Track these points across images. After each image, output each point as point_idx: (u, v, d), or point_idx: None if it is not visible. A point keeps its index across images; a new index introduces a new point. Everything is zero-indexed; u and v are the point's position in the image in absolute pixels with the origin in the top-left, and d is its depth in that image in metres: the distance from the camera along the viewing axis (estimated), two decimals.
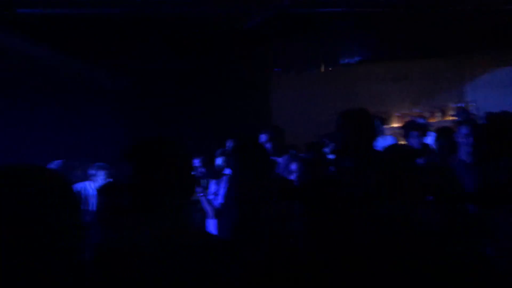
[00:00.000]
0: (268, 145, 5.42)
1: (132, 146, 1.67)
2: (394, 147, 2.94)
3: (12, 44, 6.04)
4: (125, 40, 6.60)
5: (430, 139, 5.39)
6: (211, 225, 4.27)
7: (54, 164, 4.58)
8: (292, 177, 3.89)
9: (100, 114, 7.46)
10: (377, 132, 3.11)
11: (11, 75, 6.81)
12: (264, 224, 3.01)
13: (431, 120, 8.74)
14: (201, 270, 1.52)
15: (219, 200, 4.28)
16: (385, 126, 7.61)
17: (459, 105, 8.90)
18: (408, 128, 5.07)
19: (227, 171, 4.80)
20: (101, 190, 2.75)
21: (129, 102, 7.85)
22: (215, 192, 4.46)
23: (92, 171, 4.98)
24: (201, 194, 4.31)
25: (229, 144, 5.42)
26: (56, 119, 7.21)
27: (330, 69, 9.27)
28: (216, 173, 4.69)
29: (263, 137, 5.74)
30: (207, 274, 1.52)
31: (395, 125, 8.90)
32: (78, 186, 4.70)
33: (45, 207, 1.21)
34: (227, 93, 8.44)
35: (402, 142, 5.41)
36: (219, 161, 5.24)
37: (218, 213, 4.17)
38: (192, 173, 1.72)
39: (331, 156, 6.09)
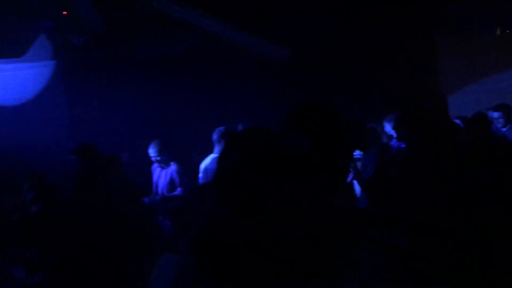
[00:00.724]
0: None
1: (296, 110, 1.56)
2: None
3: (180, 16, 6.54)
4: (285, 9, 6.69)
5: None
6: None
7: (218, 131, 4.86)
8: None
9: (258, 83, 7.72)
10: None
11: (180, 45, 7.41)
12: (438, 195, 2.82)
13: None
14: None
15: (368, 172, 4.08)
16: None
17: None
18: None
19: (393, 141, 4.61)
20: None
21: (288, 71, 7.97)
22: (363, 164, 4.27)
23: None
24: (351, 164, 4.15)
25: (391, 114, 5.19)
26: (216, 87, 7.66)
27: (508, 31, 8.24)
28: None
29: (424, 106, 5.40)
30: None
31: None
32: None
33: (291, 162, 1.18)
34: (390, 61, 8.07)
35: None
36: (387, 129, 5.08)
37: (367, 186, 4.00)
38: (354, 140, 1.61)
39: (504, 130, 5.52)
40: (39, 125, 6.99)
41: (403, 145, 3.86)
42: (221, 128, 4.83)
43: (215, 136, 4.79)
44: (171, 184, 5.28)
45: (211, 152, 4.85)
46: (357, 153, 4.38)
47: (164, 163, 5.27)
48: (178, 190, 5.25)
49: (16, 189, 3.93)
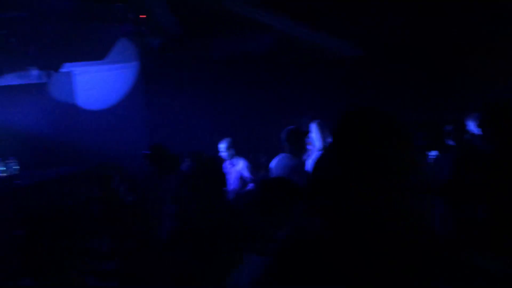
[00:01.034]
0: None
1: (343, 116, 1.48)
2: None
3: (254, 16, 6.60)
4: (359, 7, 6.55)
5: None
6: None
7: (287, 131, 4.82)
8: None
9: (331, 82, 7.62)
10: None
11: (255, 45, 7.47)
12: None
13: None
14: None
15: (445, 174, 3.79)
16: None
17: None
18: None
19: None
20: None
21: (362, 70, 7.78)
22: (440, 165, 3.99)
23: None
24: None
25: (475, 113, 4.90)
26: (286, 85, 7.66)
27: None
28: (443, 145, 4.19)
29: None
30: None
31: None
32: None
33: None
34: (468, 58, 7.64)
35: None
36: (470, 127, 4.81)
37: (442, 189, 3.74)
38: (411, 151, 1.51)
39: None
40: (121, 124, 7.35)
41: (487, 146, 3.60)
42: (291, 127, 4.79)
43: (284, 136, 4.76)
44: (241, 180, 5.49)
45: (279, 153, 4.83)
46: (432, 154, 4.16)
47: (231, 158, 5.53)
48: (250, 186, 5.39)
49: (106, 180, 4.13)
